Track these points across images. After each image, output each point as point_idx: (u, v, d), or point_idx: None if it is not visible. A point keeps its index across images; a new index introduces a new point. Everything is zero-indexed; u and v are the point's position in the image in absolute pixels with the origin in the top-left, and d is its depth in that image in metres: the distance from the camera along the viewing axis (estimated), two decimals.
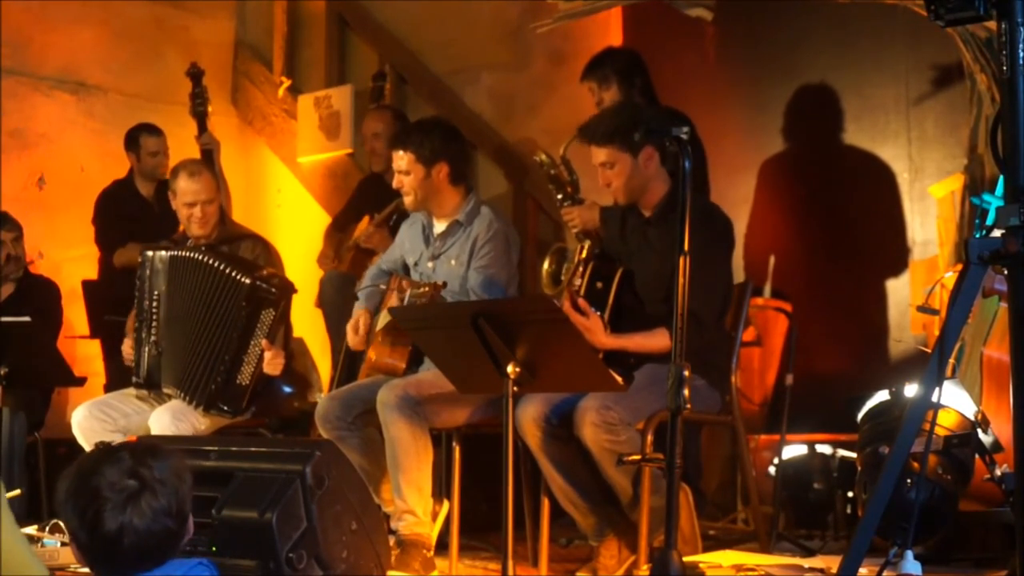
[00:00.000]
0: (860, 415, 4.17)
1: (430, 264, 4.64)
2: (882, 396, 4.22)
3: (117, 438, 4.41)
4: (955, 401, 3.95)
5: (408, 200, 4.64)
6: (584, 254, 4.51)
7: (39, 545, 4.24)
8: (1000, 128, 2.64)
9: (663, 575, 3.07)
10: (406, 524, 4.23)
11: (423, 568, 4.18)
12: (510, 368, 3.35)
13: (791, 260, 5.88)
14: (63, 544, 4.24)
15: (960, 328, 3.21)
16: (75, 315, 6.69)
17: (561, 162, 4.98)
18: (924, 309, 4.44)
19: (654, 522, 3.84)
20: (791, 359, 4.88)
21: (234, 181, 6.69)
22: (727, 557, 4.10)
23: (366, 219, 5.74)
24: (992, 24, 2.69)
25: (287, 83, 7.61)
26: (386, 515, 4.28)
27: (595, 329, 4.02)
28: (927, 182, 5.64)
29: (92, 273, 6.62)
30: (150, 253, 4.89)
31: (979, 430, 3.87)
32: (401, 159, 4.58)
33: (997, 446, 3.89)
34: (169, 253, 4.85)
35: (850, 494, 4.67)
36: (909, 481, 3.55)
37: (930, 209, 5.58)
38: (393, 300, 4.53)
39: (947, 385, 3.70)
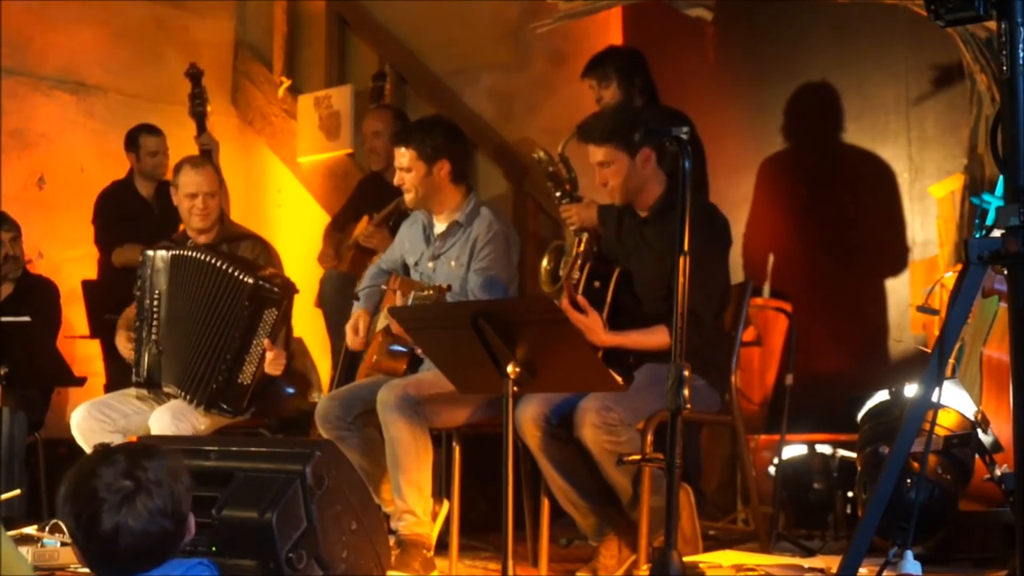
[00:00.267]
0: (860, 415, 4.18)
1: (430, 264, 4.64)
2: (882, 396, 4.22)
3: (116, 438, 4.43)
4: (955, 401, 3.95)
5: (409, 197, 4.64)
6: (582, 247, 4.52)
7: (39, 545, 4.25)
8: (1000, 128, 2.64)
9: (663, 575, 3.07)
10: (406, 524, 4.23)
11: (423, 568, 4.18)
12: (510, 368, 3.35)
13: (791, 260, 5.88)
14: (63, 544, 4.24)
15: (960, 328, 3.21)
16: (75, 315, 6.69)
17: (560, 160, 4.98)
18: (924, 309, 4.44)
19: (654, 522, 3.84)
20: (791, 359, 4.88)
21: (234, 181, 6.68)
22: (727, 557, 4.10)
23: (365, 219, 5.74)
24: (992, 24, 2.69)
25: (287, 83, 7.61)
26: (386, 515, 4.28)
27: (594, 327, 4.03)
28: (927, 182, 5.64)
29: (92, 273, 6.62)
30: (151, 252, 4.89)
31: (979, 430, 3.87)
32: (403, 156, 4.59)
33: (997, 446, 3.89)
34: (170, 252, 4.85)
35: (850, 494, 4.67)
36: (909, 481, 3.55)
37: (930, 209, 5.58)
38: (393, 300, 4.53)
39: (947, 385, 3.70)
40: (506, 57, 6.89)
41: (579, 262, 4.47)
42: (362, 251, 5.65)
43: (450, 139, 4.61)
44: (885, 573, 3.26)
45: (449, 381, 3.78)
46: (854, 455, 4.37)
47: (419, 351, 4.35)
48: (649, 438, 3.90)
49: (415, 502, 4.23)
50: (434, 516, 4.35)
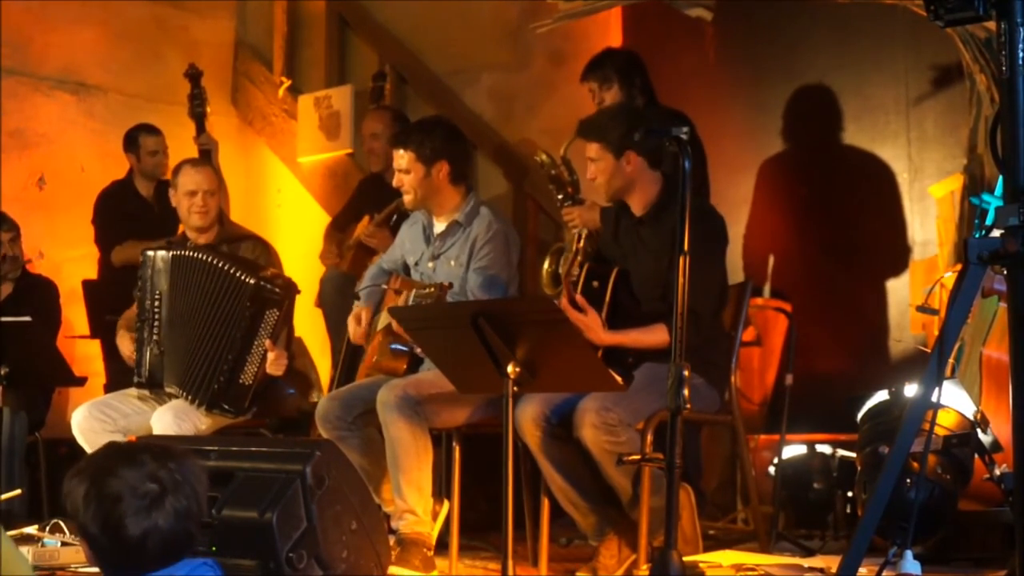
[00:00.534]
0: (860, 415, 4.18)
1: (430, 264, 4.64)
2: (882, 396, 4.23)
3: (117, 438, 4.43)
4: (954, 401, 3.96)
5: (408, 199, 4.65)
6: (581, 243, 4.53)
7: (39, 545, 4.25)
8: (999, 128, 2.64)
9: (663, 575, 3.08)
10: (406, 524, 4.23)
11: (423, 568, 4.18)
12: (510, 368, 3.35)
13: (791, 260, 5.88)
14: (63, 544, 4.25)
15: (959, 328, 3.21)
16: (75, 315, 6.70)
17: (562, 162, 4.99)
18: (924, 309, 4.45)
19: (654, 522, 3.84)
20: (791, 359, 4.89)
21: (234, 181, 6.69)
22: (727, 557, 4.11)
23: (366, 219, 5.74)
24: (991, 24, 2.69)
25: (287, 83, 7.61)
26: (386, 515, 4.29)
27: (593, 326, 4.03)
28: (927, 182, 5.64)
29: (92, 273, 6.63)
30: (151, 253, 4.88)
31: (978, 430, 3.87)
32: (402, 158, 4.59)
33: (996, 446, 3.89)
34: (171, 253, 4.85)
35: (850, 494, 4.67)
36: (909, 481, 3.55)
37: (930, 209, 5.58)
38: (393, 300, 4.53)
39: (946, 385, 3.70)
40: (506, 57, 6.89)
41: (579, 259, 4.48)
42: (363, 251, 5.65)
43: (449, 140, 4.61)
44: (885, 573, 3.27)
45: (449, 381, 3.78)
46: (854, 455, 4.38)
47: (419, 351, 4.35)
48: (649, 438, 3.90)
49: (415, 502, 4.24)
50: (434, 516, 4.35)
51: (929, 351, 2.91)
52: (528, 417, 4.03)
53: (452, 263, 4.58)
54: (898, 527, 3.39)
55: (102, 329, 6.33)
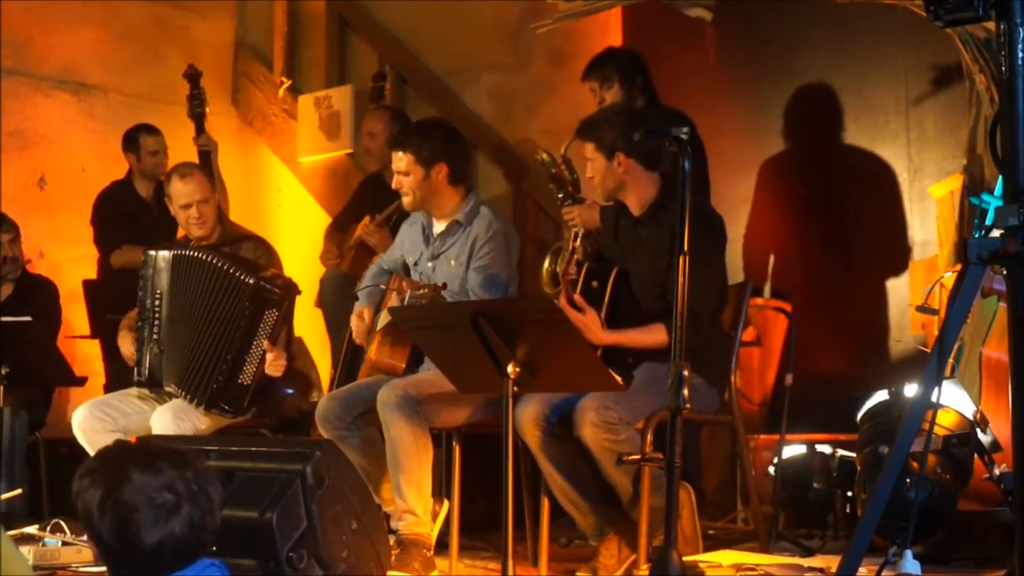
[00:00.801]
0: (860, 415, 4.18)
1: (430, 264, 4.65)
2: (882, 396, 4.23)
3: (117, 438, 4.43)
4: (954, 401, 3.96)
5: (407, 200, 4.65)
6: (578, 242, 4.54)
7: (40, 544, 4.26)
8: (999, 128, 2.64)
9: (663, 574, 3.08)
10: (406, 524, 4.23)
11: (423, 568, 4.19)
12: (510, 368, 3.36)
13: (791, 260, 5.88)
14: (64, 544, 4.25)
15: (959, 328, 3.21)
16: (75, 315, 6.70)
17: (562, 161, 4.99)
18: (923, 309, 4.45)
19: (654, 521, 3.84)
20: (791, 359, 4.88)
21: (234, 181, 6.70)
22: (727, 557, 4.11)
23: (366, 219, 5.74)
24: (991, 24, 2.69)
25: (287, 83, 7.62)
26: (386, 515, 4.29)
27: (592, 326, 4.03)
28: (927, 182, 5.64)
29: (92, 273, 6.63)
30: (153, 252, 4.90)
31: (978, 430, 3.88)
32: (400, 160, 4.59)
33: (996, 446, 3.90)
34: (172, 252, 4.86)
35: (850, 494, 4.67)
36: (908, 481, 3.56)
37: (929, 209, 5.58)
38: (393, 300, 4.53)
39: (946, 385, 3.71)
40: (506, 57, 6.89)
41: (576, 257, 4.49)
42: (363, 251, 5.65)
43: (448, 142, 4.61)
44: (884, 573, 3.27)
45: (449, 381, 3.78)
46: (854, 455, 4.38)
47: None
48: (649, 437, 3.91)
49: (415, 502, 4.24)
50: (434, 516, 4.35)
51: (929, 351, 2.91)
52: (528, 417, 4.04)
53: (452, 263, 4.58)
54: (898, 527, 3.39)
55: (102, 329, 6.33)
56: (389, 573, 3.42)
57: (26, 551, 3.98)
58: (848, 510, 4.69)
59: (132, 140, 6.51)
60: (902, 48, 5.75)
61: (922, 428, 3.11)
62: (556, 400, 4.06)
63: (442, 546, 4.35)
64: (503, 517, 3.34)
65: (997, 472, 3.78)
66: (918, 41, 5.62)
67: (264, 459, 3.21)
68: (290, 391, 5.04)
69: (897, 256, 5.78)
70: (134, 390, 4.91)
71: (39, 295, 6.23)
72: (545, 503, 4.24)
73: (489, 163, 6.73)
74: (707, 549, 4.22)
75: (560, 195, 4.99)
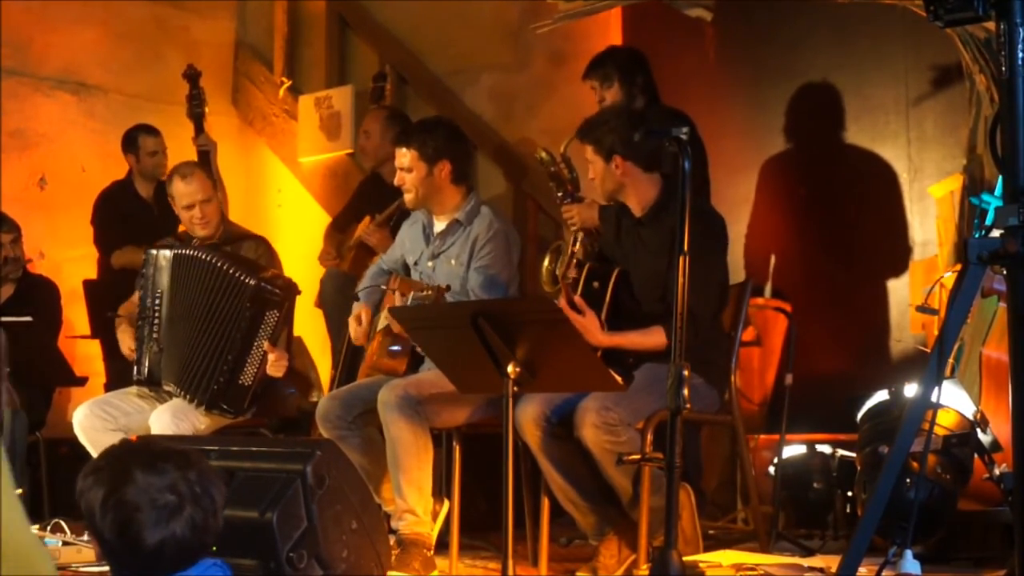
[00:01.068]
0: (860, 415, 4.18)
1: (430, 263, 4.65)
2: (882, 396, 4.23)
3: (118, 437, 4.43)
4: (954, 401, 3.96)
5: (408, 197, 4.65)
6: (577, 246, 4.54)
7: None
8: (999, 128, 2.64)
9: (663, 574, 3.08)
10: (406, 523, 4.23)
11: (423, 567, 4.19)
12: (510, 368, 3.36)
13: (791, 260, 5.88)
14: (64, 544, 4.25)
15: (959, 328, 3.21)
16: (76, 315, 6.70)
17: (561, 160, 4.99)
18: (923, 309, 4.45)
19: (654, 522, 3.84)
20: (791, 359, 4.88)
21: (234, 181, 6.70)
22: (727, 557, 4.11)
23: (367, 219, 5.75)
24: (991, 25, 2.69)
25: (287, 83, 7.62)
26: (386, 514, 4.29)
27: (591, 327, 4.02)
28: (927, 182, 5.64)
29: (93, 273, 6.63)
30: (154, 251, 4.90)
31: (978, 430, 3.88)
32: (404, 156, 4.60)
33: (996, 446, 3.90)
34: (173, 251, 4.86)
35: (850, 494, 4.67)
36: (908, 481, 3.56)
37: (929, 209, 5.58)
38: (393, 300, 4.53)
39: (946, 385, 3.71)
40: (506, 57, 6.89)
41: (574, 261, 4.49)
42: (363, 251, 5.66)
43: (451, 140, 4.62)
44: (884, 572, 3.27)
45: (449, 381, 3.78)
46: (854, 455, 4.38)
47: (419, 349, 4.35)
48: (649, 438, 3.91)
49: (415, 501, 4.24)
50: (434, 515, 4.35)
51: (929, 351, 2.91)
52: (528, 417, 4.04)
53: (452, 262, 4.58)
54: (898, 527, 3.39)
55: (102, 329, 6.33)
56: (389, 573, 3.42)
57: None
58: (848, 510, 4.69)
59: (131, 141, 6.51)
60: (902, 48, 5.75)
61: (922, 428, 3.11)
62: (556, 400, 4.06)
63: (442, 546, 4.35)
64: (503, 517, 3.34)
65: (997, 472, 3.78)
66: (918, 41, 5.62)
67: (264, 459, 3.21)
68: (290, 391, 5.04)
69: (897, 256, 5.78)
70: (134, 389, 4.91)
71: (40, 295, 6.23)
72: (545, 503, 4.24)
73: (489, 163, 6.73)
74: (707, 549, 4.22)
75: (559, 194, 4.99)
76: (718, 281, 4.22)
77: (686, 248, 3.23)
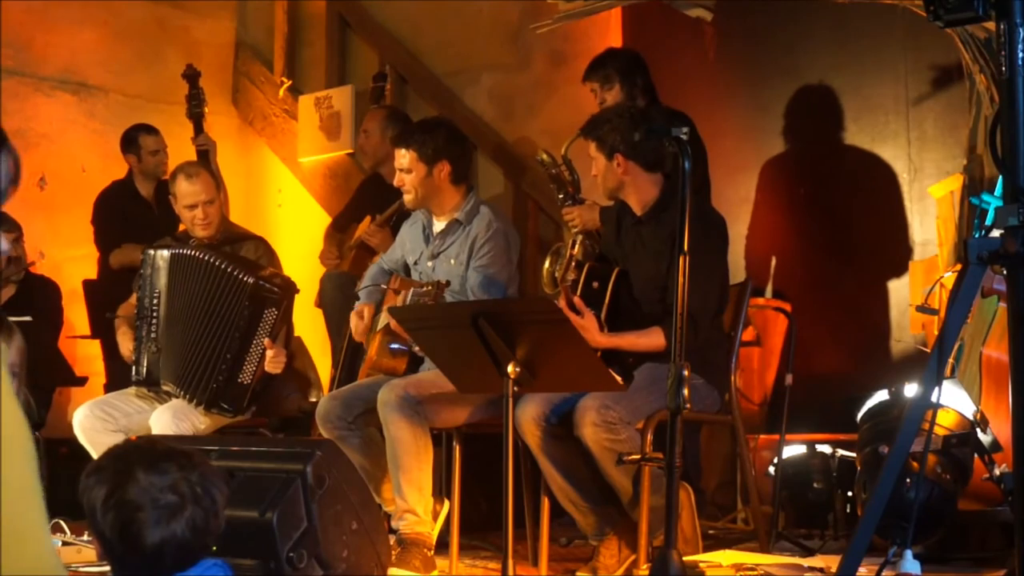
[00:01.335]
0: (860, 415, 4.19)
1: (430, 263, 4.65)
2: (882, 396, 4.24)
3: (118, 437, 4.43)
4: (954, 401, 3.96)
5: (408, 198, 4.66)
6: (576, 249, 4.54)
7: None
8: (999, 128, 2.64)
9: (663, 574, 3.08)
10: (407, 523, 4.24)
11: (423, 567, 4.19)
12: (510, 368, 3.36)
13: (791, 260, 5.88)
14: (64, 544, 4.25)
15: (959, 328, 3.21)
16: (76, 315, 6.70)
17: (562, 162, 4.99)
18: (923, 309, 4.45)
19: (654, 521, 3.84)
20: (791, 359, 4.88)
21: (234, 181, 6.70)
22: (727, 556, 4.11)
23: (367, 220, 5.75)
24: (991, 25, 2.69)
25: (288, 83, 7.62)
26: (387, 514, 4.30)
27: (590, 328, 4.02)
28: (927, 182, 5.64)
29: (93, 273, 6.63)
30: (152, 251, 4.90)
31: (978, 430, 3.88)
32: (403, 157, 4.60)
33: (996, 446, 3.90)
34: (170, 251, 4.86)
35: (850, 494, 4.68)
36: (908, 481, 3.56)
37: (929, 209, 5.58)
38: (394, 300, 4.54)
39: (946, 385, 3.71)
40: (506, 58, 6.90)
41: (573, 263, 4.49)
42: (363, 251, 5.66)
43: (451, 141, 4.63)
44: (884, 572, 3.27)
45: (449, 381, 3.78)
46: (854, 455, 4.38)
47: (417, 349, 4.35)
48: (649, 437, 3.91)
49: (416, 501, 4.24)
50: (434, 515, 4.35)
51: (929, 351, 2.91)
52: (528, 417, 4.04)
53: (452, 262, 4.59)
54: (898, 527, 3.39)
55: (102, 329, 6.33)
56: (391, 571, 3.42)
57: None
58: (848, 510, 4.69)
59: (131, 141, 6.50)
60: (902, 48, 5.75)
61: (922, 428, 3.11)
62: (556, 400, 4.06)
63: (442, 546, 4.35)
64: (503, 517, 3.34)
65: (997, 472, 3.78)
66: (918, 41, 5.62)
67: (264, 459, 3.21)
68: (291, 391, 5.05)
69: (897, 256, 5.78)
70: (134, 389, 4.91)
71: (41, 295, 6.22)
72: (545, 503, 4.24)
73: (489, 163, 6.74)
74: (707, 549, 4.22)
75: (560, 195, 5.00)
76: (718, 281, 4.22)
77: (686, 248, 3.23)
